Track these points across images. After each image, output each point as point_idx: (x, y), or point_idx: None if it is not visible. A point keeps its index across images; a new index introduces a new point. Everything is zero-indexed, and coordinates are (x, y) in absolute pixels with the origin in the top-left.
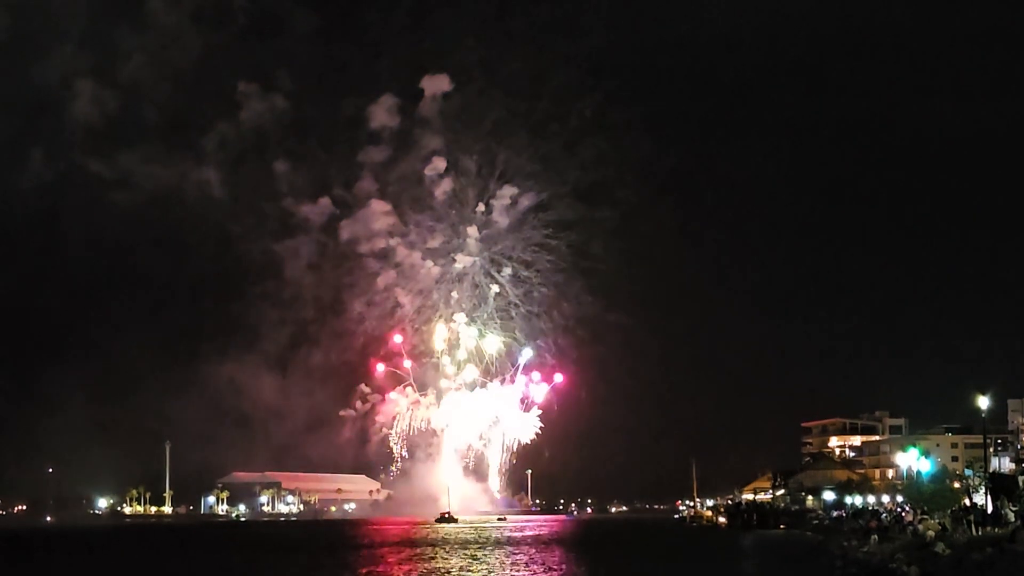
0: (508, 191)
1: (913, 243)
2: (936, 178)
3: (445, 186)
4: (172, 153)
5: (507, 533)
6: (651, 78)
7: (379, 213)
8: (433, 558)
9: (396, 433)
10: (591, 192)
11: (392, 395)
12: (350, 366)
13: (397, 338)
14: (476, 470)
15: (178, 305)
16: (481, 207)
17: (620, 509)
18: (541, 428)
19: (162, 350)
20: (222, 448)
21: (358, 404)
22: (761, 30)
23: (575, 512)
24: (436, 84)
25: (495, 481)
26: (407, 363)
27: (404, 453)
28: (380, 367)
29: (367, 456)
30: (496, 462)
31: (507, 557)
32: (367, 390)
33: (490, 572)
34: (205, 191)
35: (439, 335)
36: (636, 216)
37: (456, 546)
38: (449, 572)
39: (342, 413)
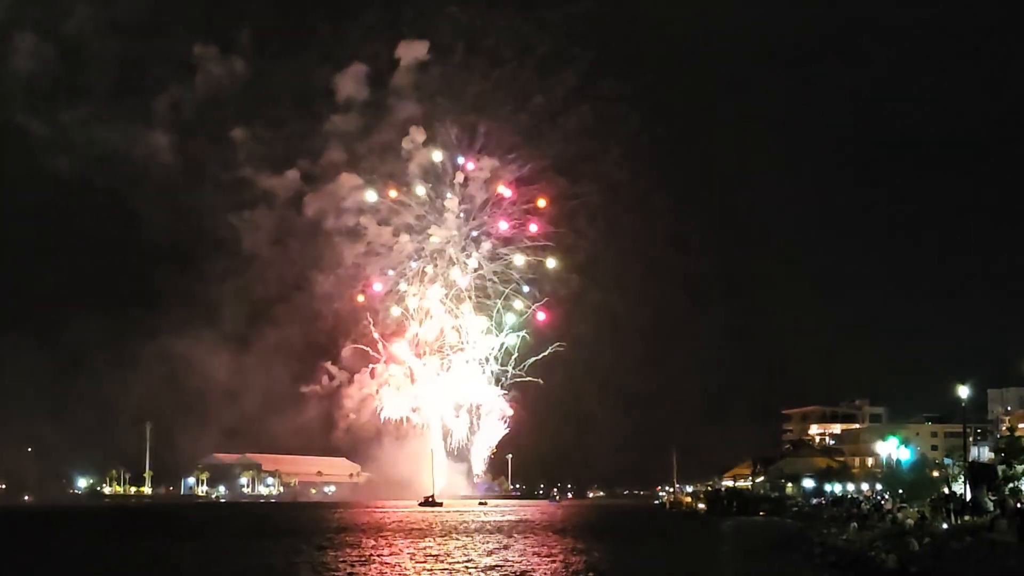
0: (488, 163)
1: (895, 234)
2: (916, 170)
3: (421, 158)
4: (119, 115)
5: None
6: (639, 48)
7: (349, 187)
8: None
9: (367, 414)
10: (574, 166)
11: (361, 375)
12: (318, 346)
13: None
14: (454, 452)
15: (129, 277)
16: (460, 179)
17: (598, 494)
18: (517, 400)
19: (113, 325)
20: (190, 427)
21: (324, 380)
22: (753, 3)
23: (557, 497)
24: (413, 51)
25: (475, 464)
26: (378, 341)
27: (378, 434)
28: (349, 345)
29: (335, 437)
30: (475, 444)
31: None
32: (333, 369)
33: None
34: (155, 157)
35: (412, 312)
36: (621, 191)
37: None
38: None
39: (305, 389)
